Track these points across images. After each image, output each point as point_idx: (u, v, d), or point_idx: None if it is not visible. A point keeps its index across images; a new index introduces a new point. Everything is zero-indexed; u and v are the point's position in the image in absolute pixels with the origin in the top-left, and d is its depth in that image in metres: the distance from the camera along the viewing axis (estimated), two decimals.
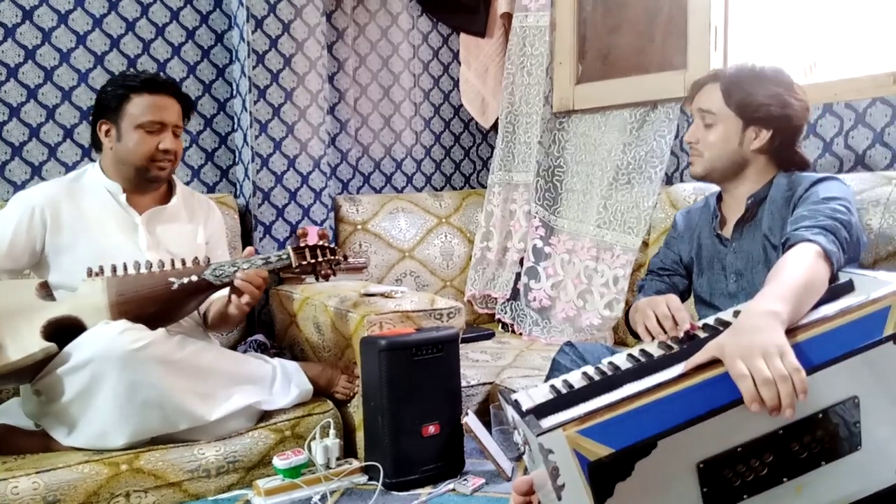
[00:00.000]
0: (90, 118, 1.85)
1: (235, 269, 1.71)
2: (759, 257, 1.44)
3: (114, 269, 1.67)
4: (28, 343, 1.57)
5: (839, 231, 1.23)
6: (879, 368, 0.95)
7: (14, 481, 1.48)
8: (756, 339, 0.94)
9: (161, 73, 2.39)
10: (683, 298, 1.63)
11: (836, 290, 1.09)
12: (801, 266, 1.12)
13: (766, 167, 1.48)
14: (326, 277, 1.81)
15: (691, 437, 0.91)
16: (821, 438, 0.95)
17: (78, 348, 1.57)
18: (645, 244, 2.32)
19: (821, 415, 0.94)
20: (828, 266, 1.16)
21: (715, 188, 1.60)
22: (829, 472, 0.96)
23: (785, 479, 0.95)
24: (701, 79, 1.54)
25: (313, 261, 1.77)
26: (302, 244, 1.79)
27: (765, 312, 0.99)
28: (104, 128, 1.80)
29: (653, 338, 1.32)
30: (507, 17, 2.81)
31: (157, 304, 1.67)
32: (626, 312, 1.58)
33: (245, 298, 1.70)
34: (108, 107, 1.78)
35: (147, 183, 1.84)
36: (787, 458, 0.95)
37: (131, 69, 2.37)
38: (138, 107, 1.76)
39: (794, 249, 1.19)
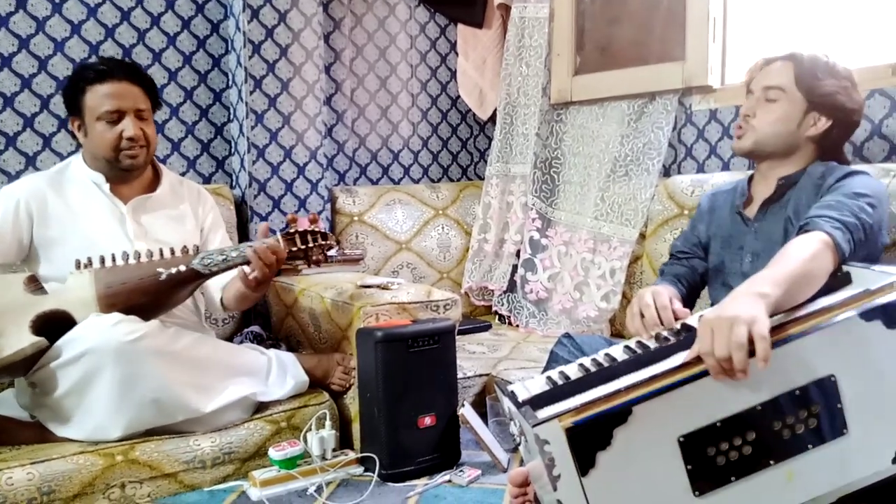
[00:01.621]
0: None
1: (224, 257, 1.69)
2: (779, 239, 1.43)
3: (102, 260, 1.66)
4: (17, 339, 1.56)
5: (857, 231, 1.23)
6: (852, 345, 0.96)
7: (9, 472, 1.48)
8: (729, 312, 0.96)
9: (126, 58, 2.35)
10: (703, 281, 1.63)
11: (834, 282, 1.09)
12: (805, 254, 1.12)
13: (811, 157, 1.48)
14: (318, 263, 1.75)
15: (668, 407, 0.92)
16: (802, 418, 0.95)
17: (72, 341, 1.57)
18: (642, 236, 2.32)
19: (798, 391, 0.95)
20: (834, 260, 1.16)
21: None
22: (819, 457, 0.96)
23: (772, 462, 0.95)
24: (770, 57, 1.51)
25: (304, 246, 1.71)
26: (292, 230, 1.73)
27: (750, 293, 1.01)
28: (75, 124, 1.79)
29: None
30: (505, 7, 2.79)
31: (146, 294, 1.66)
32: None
33: (255, 273, 1.67)
34: (72, 103, 1.77)
35: (124, 172, 1.81)
36: (771, 437, 0.95)
37: (126, 59, 2.35)
38: (94, 98, 1.74)
39: (806, 236, 1.19)
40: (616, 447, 0.91)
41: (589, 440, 0.90)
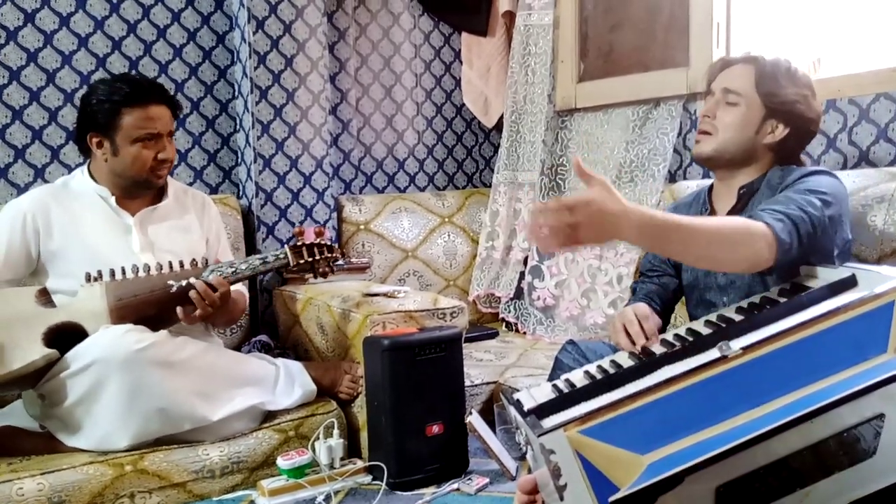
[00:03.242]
0: (74, 128, 1.83)
1: (233, 269, 1.71)
2: None
3: (112, 273, 1.68)
4: (29, 351, 1.57)
5: (803, 224, 1.21)
6: None
7: (19, 482, 1.49)
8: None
9: (133, 71, 2.39)
10: (675, 298, 1.62)
11: (839, 285, 1.08)
12: (725, 222, 1.14)
13: (768, 164, 1.46)
14: (325, 275, 1.80)
15: (717, 468, 0.88)
16: (838, 453, 0.93)
17: (81, 352, 1.58)
18: None
19: (845, 433, 0.93)
20: (770, 248, 1.15)
21: (706, 184, 1.59)
22: (840, 477, 0.95)
23: (797, 489, 0.94)
24: (732, 58, 1.49)
25: (311, 259, 1.77)
26: (299, 243, 1.78)
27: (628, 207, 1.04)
28: (95, 140, 1.78)
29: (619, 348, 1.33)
30: (509, 15, 2.80)
31: (156, 307, 1.68)
32: None
33: (195, 312, 1.68)
34: (96, 120, 1.76)
35: (143, 190, 1.85)
36: (803, 470, 0.93)
37: (133, 72, 2.38)
38: (132, 121, 1.74)
39: (742, 218, 1.19)
40: None
41: None
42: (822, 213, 1.25)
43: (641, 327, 1.31)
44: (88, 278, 1.67)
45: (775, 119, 1.41)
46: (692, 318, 1.57)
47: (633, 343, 1.30)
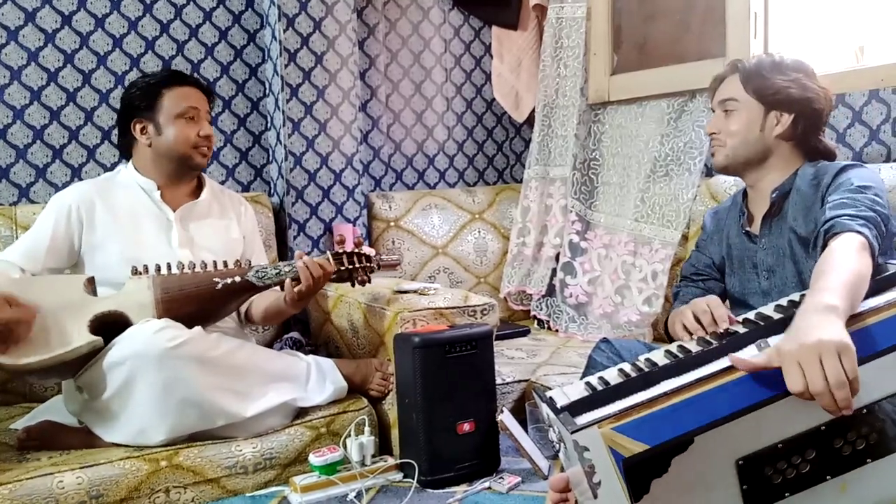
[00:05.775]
0: (117, 121, 1.89)
1: (277, 271, 1.75)
2: (787, 251, 1.40)
3: (157, 268, 1.71)
4: (75, 337, 1.60)
5: (879, 225, 1.21)
6: None
7: (60, 476, 1.51)
8: (813, 338, 0.88)
9: (190, 72, 2.43)
10: None
11: (883, 281, 1.05)
12: (852, 259, 1.08)
13: (791, 157, 1.45)
14: (363, 283, 1.83)
15: (729, 433, 0.88)
16: (866, 435, 0.91)
17: (117, 345, 1.60)
18: (684, 238, 2.27)
19: (865, 410, 0.90)
20: (871, 259, 1.12)
21: (741, 185, 1.57)
22: (876, 469, 0.92)
23: (829, 477, 0.92)
24: (720, 73, 1.53)
25: (350, 267, 1.80)
26: (339, 250, 1.81)
27: (822, 307, 0.94)
28: (139, 126, 1.85)
29: (691, 335, 1.30)
30: (540, 8, 2.77)
31: (201, 303, 1.70)
32: (667, 318, 1.54)
33: (300, 286, 1.72)
34: (139, 106, 1.84)
35: (187, 171, 1.89)
36: (831, 455, 0.91)
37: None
38: (173, 99, 1.83)
39: (841, 240, 1.15)
40: (672, 473, 0.88)
41: (646, 470, 0.87)
42: (886, 208, 1.24)
43: (713, 317, 1.30)
44: (135, 271, 1.70)
45: (776, 110, 1.43)
46: None
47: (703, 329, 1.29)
